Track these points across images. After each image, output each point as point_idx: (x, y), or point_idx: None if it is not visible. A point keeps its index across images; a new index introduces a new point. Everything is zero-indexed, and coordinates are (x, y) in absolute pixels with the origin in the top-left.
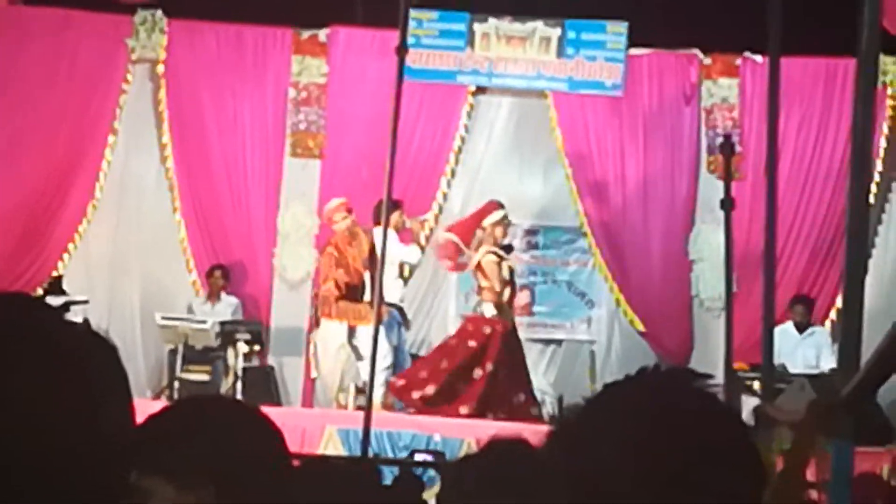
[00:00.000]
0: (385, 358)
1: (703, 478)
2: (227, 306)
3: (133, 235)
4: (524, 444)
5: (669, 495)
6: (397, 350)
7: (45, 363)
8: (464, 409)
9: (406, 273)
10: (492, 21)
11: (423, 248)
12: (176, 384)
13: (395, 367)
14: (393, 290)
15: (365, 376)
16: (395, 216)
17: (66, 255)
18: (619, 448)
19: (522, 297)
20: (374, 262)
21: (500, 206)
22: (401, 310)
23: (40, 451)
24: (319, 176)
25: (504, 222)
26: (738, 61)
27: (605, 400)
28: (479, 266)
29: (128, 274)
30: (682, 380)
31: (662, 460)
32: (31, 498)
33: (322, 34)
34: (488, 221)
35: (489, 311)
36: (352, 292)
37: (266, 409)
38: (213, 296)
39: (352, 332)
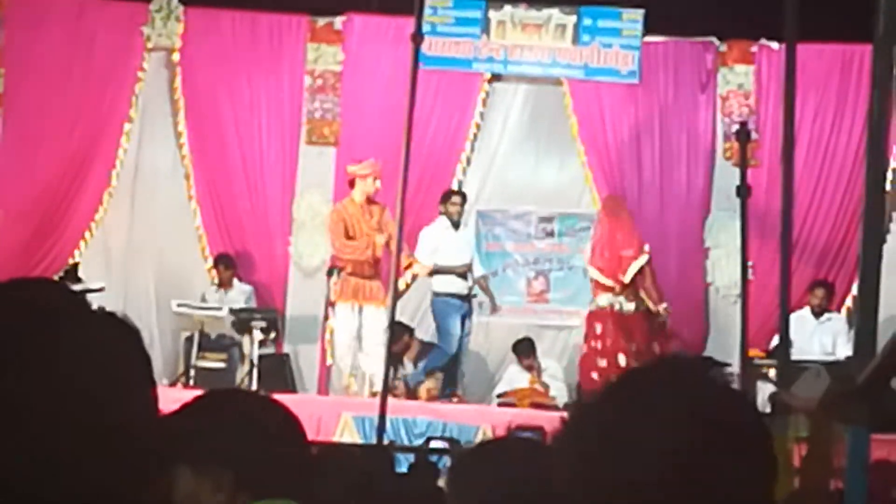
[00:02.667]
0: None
1: (718, 465)
2: (240, 293)
3: (149, 223)
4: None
5: (685, 482)
6: (461, 340)
7: (73, 348)
8: None
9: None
10: (507, 8)
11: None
12: (192, 371)
13: (458, 357)
14: (456, 281)
15: (364, 366)
16: (455, 207)
17: (82, 243)
18: (637, 435)
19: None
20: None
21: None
22: (465, 298)
23: (66, 435)
24: (335, 163)
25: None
26: (754, 48)
27: (624, 387)
28: None
29: (143, 261)
30: (701, 368)
31: (680, 448)
32: (56, 482)
33: (337, 21)
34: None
35: None
36: (364, 268)
37: (281, 397)
38: (223, 284)
39: (360, 312)
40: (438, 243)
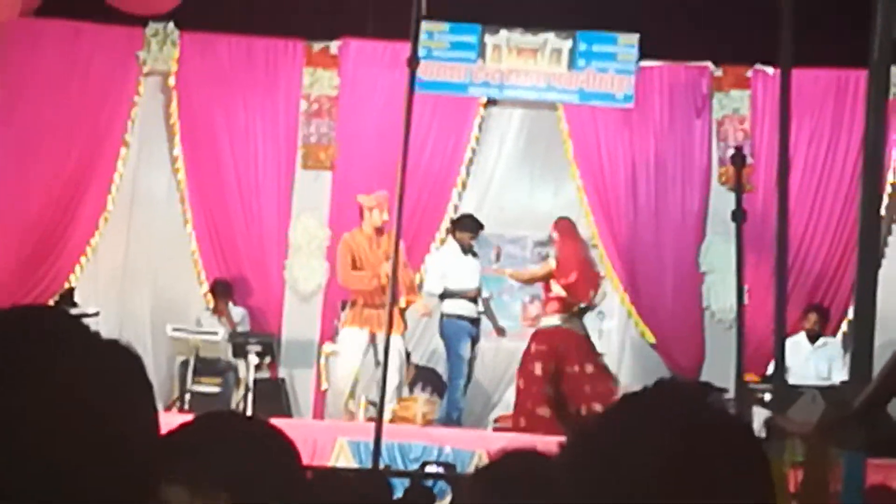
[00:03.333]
0: (399, 370)
1: (717, 490)
2: (234, 316)
3: (144, 247)
4: (537, 455)
5: None
6: (470, 363)
7: (76, 373)
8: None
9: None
10: (503, 33)
11: None
12: (187, 396)
13: (468, 380)
14: (466, 304)
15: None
16: (471, 235)
17: (77, 268)
18: (637, 459)
19: None
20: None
21: None
22: (475, 322)
23: (67, 459)
24: (331, 188)
25: None
26: (750, 73)
27: (622, 413)
28: None
29: (139, 286)
30: (699, 393)
31: (679, 472)
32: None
33: (333, 46)
34: None
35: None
36: (374, 298)
37: (277, 421)
38: (219, 312)
39: (373, 338)
40: (447, 268)
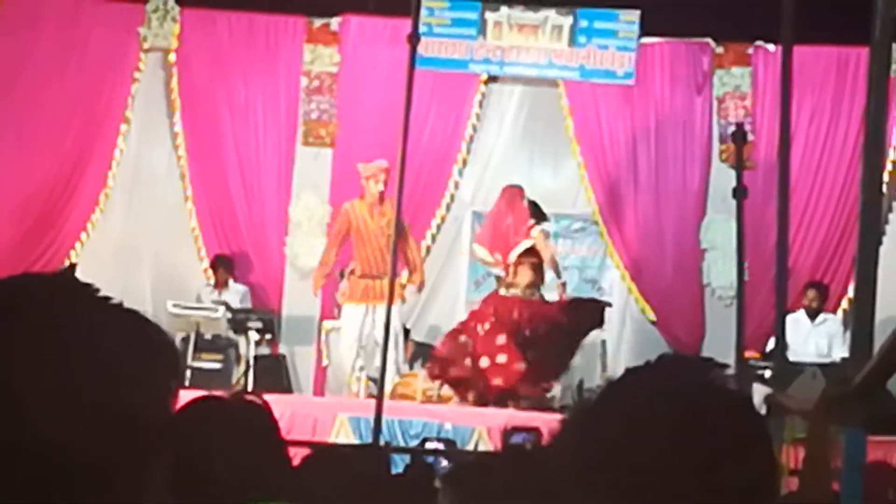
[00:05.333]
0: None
1: (721, 466)
2: (235, 294)
3: (145, 224)
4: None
5: (687, 483)
6: None
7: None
8: None
9: None
10: (504, 10)
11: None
12: (188, 372)
13: None
14: None
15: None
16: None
17: (78, 244)
18: (639, 435)
19: None
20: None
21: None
22: None
23: (75, 427)
24: (331, 164)
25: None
26: (751, 50)
27: (624, 389)
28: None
29: (139, 262)
30: (702, 368)
31: (681, 448)
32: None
33: (334, 23)
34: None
35: None
36: (373, 269)
37: (277, 398)
38: (219, 284)
39: (374, 312)
40: None
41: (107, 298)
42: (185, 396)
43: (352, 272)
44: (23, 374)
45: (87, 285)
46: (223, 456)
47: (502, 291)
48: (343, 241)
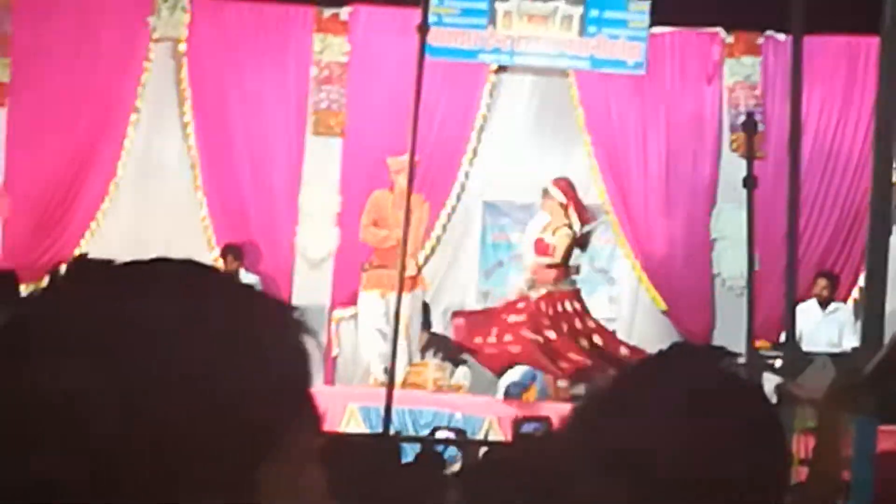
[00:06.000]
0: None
1: (732, 455)
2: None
3: (155, 214)
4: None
5: (698, 471)
6: None
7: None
8: None
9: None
10: None
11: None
12: None
13: None
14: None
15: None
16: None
17: (88, 233)
18: (650, 424)
19: None
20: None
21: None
22: None
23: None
24: (341, 154)
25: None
26: (761, 40)
27: (635, 377)
28: None
29: (149, 252)
30: (714, 358)
31: (692, 437)
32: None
33: (344, 12)
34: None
35: None
36: (390, 258)
37: None
38: (229, 273)
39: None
40: None
41: (250, 286)
42: None
43: (370, 263)
44: (165, 358)
45: (218, 270)
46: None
47: None
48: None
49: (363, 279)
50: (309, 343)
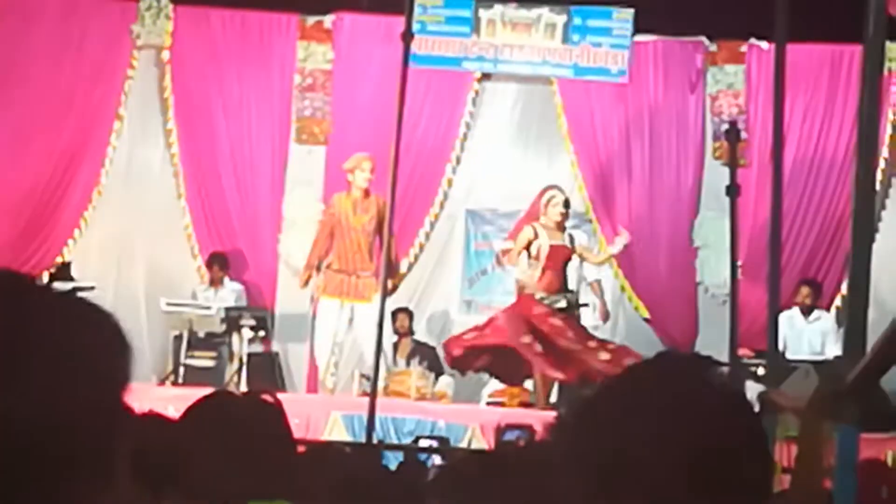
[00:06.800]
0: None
1: (716, 463)
2: (231, 292)
3: (138, 221)
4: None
5: (682, 479)
6: None
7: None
8: None
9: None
10: (497, 7)
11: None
12: (181, 370)
13: None
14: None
15: (349, 365)
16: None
17: (71, 241)
18: (635, 432)
19: None
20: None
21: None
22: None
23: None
24: (325, 162)
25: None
26: (744, 48)
27: (621, 385)
28: None
29: (133, 260)
30: (697, 366)
31: (677, 444)
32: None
33: (327, 20)
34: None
35: None
36: (349, 265)
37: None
38: (215, 283)
39: (352, 310)
40: None
41: (48, 286)
42: (179, 393)
43: (328, 266)
44: None
45: (24, 276)
46: (227, 453)
47: None
48: (330, 235)
49: (321, 279)
50: (124, 349)
